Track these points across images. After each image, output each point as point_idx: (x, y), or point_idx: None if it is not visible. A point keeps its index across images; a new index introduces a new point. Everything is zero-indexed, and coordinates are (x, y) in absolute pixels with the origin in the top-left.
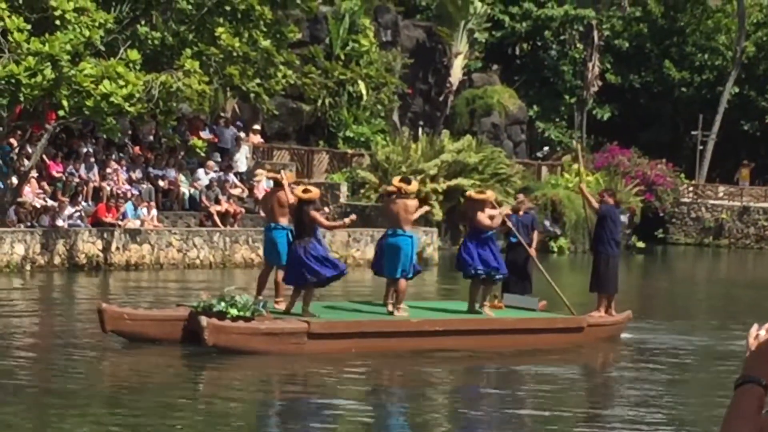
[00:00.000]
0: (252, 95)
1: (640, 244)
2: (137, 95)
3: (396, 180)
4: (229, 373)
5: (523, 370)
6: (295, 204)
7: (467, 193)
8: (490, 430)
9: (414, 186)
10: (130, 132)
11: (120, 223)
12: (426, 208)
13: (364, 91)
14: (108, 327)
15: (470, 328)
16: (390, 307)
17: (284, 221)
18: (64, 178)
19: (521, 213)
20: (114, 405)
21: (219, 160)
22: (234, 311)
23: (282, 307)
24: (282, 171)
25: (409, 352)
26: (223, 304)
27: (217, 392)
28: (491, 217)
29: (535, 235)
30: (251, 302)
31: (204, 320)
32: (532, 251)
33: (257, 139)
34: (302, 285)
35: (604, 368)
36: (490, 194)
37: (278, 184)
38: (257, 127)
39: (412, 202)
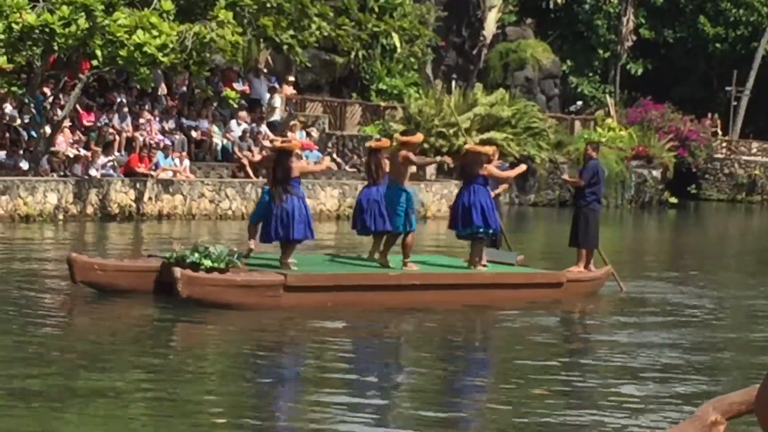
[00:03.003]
0: (285, 47)
1: (673, 200)
2: (171, 45)
3: (397, 135)
4: (203, 327)
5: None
6: (274, 155)
7: (466, 146)
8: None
9: (414, 138)
10: (163, 82)
11: (153, 173)
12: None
13: (397, 44)
14: (78, 278)
15: (449, 282)
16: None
17: None
18: (97, 128)
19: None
20: (80, 365)
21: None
22: (208, 262)
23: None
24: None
25: (386, 306)
26: (196, 254)
27: (191, 349)
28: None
29: (503, 187)
30: (225, 253)
31: (178, 271)
32: (492, 193)
33: (290, 90)
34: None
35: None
36: (488, 148)
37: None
38: (291, 78)
39: (403, 153)
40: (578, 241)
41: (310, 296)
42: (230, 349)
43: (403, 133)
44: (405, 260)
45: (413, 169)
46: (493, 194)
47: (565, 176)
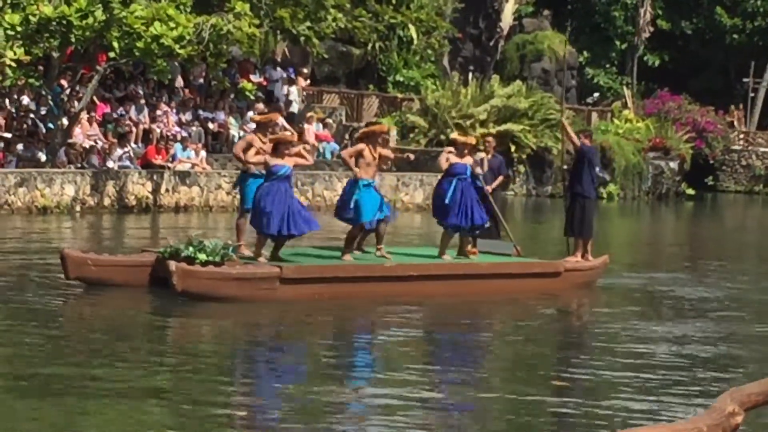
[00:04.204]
0: (302, 38)
1: (690, 191)
2: (188, 37)
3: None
4: (198, 321)
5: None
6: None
7: (451, 136)
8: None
9: (372, 128)
10: (180, 74)
11: (170, 165)
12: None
13: (414, 35)
14: (71, 274)
15: (445, 273)
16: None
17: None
18: (114, 120)
19: (490, 156)
20: (73, 362)
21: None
22: (203, 256)
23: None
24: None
25: (382, 297)
26: (191, 248)
27: (185, 343)
28: (447, 159)
29: (500, 179)
30: (220, 246)
31: (173, 265)
32: (489, 188)
33: (303, 82)
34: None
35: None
36: (470, 138)
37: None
38: (305, 70)
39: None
40: (574, 231)
41: (306, 288)
42: (228, 344)
43: (367, 125)
44: (344, 250)
45: (368, 159)
46: (490, 189)
47: (565, 121)
